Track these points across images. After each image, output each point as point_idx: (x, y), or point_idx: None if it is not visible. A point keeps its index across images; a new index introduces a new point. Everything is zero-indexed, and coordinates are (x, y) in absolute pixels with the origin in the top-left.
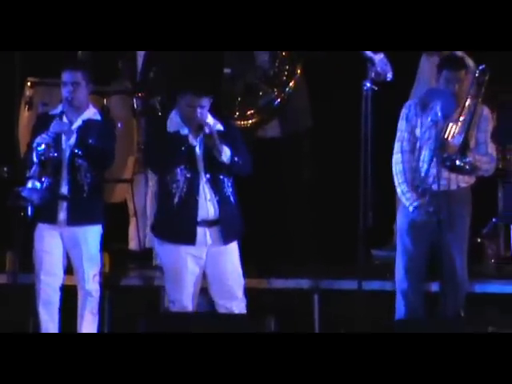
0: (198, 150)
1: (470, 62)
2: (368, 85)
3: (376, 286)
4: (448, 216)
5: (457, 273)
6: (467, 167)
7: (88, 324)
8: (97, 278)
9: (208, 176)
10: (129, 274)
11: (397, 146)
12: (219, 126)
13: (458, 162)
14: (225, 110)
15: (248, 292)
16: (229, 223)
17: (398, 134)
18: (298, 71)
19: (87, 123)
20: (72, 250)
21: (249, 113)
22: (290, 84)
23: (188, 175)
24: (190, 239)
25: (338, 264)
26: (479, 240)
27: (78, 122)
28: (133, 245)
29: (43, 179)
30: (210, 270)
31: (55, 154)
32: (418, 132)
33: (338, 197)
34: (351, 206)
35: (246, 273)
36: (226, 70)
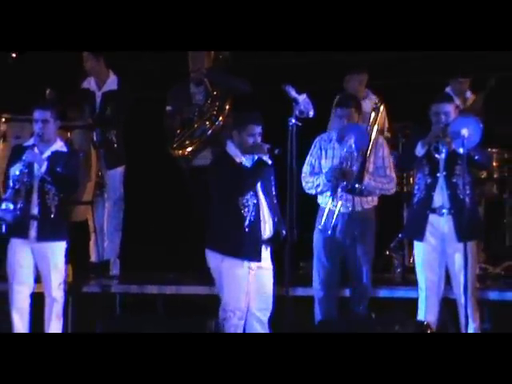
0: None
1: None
2: (293, 121)
3: (300, 293)
4: (355, 233)
5: (363, 280)
6: (365, 190)
7: (54, 326)
8: (61, 286)
9: (268, 200)
10: (89, 283)
11: (304, 174)
12: None
13: (356, 186)
14: (165, 141)
15: (192, 298)
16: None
17: (304, 167)
18: (227, 107)
19: (56, 154)
20: (40, 262)
21: (186, 142)
22: (220, 118)
23: (254, 201)
24: (257, 257)
25: None
26: (387, 252)
27: (47, 153)
28: (93, 257)
29: (17, 201)
30: (254, 282)
31: (28, 180)
32: (323, 163)
33: None
34: None
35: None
36: (168, 108)
